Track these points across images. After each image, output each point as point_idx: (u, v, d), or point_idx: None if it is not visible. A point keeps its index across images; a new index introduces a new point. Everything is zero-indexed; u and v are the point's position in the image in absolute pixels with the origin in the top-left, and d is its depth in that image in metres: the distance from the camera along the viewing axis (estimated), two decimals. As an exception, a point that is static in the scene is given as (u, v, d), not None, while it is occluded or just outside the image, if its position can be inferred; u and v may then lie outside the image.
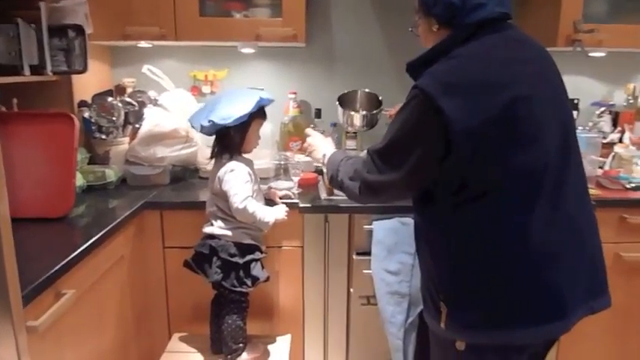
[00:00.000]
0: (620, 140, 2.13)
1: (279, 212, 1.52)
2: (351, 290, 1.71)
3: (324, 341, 1.79)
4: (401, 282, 1.59)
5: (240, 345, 1.53)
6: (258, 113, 1.49)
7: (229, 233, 1.48)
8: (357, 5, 2.22)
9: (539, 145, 1.03)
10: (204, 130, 1.47)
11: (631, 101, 2.21)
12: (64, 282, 1.13)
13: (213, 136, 1.53)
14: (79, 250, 1.20)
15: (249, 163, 1.53)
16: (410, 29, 1.26)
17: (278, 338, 1.67)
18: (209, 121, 1.43)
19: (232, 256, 1.46)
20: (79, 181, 1.67)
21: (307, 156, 1.64)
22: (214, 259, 1.47)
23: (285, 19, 1.86)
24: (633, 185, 1.86)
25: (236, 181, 1.45)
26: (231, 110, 1.42)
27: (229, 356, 1.52)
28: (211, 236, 1.50)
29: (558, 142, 1.06)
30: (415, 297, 1.61)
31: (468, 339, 1.08)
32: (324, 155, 1.48)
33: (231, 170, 1.46)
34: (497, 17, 1.08)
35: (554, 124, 1.06)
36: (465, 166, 1.02)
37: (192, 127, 1.53)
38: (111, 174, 1.78)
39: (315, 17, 2.16)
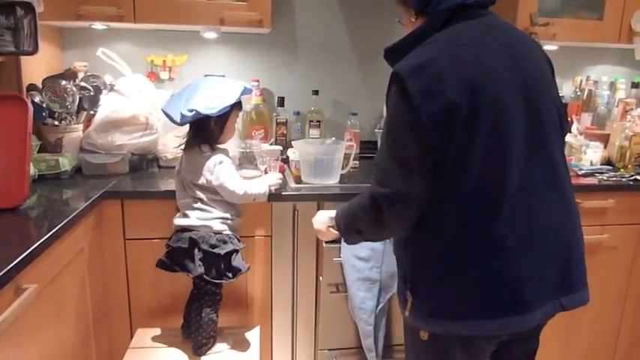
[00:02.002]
0: (569, 130, 2.25)
1: (270, 179, 1.59)
2: (320, 278, 1.71)
3: (292, 330, 1.78)
4: (371, 268, 1.60)
5: (211, 339, 1.49)
6: (237, 104, 1.48)
7: (209, 224, 1.44)
8: (320, -8, 2.21)
9: (502, 136, 1.00)
10: (184, 120, 1.41)
11: (578, 93, 2.33)
12: (25, 276, 1.05)
13: (180, 126, 1.47)
14: (40, 242, 1.12)
15: (227, 153, 1.53)
16: (397, 20, 1.24)
17: (247, 330, 1.64)
18: (191, 110, 1.39)
19: (213, 247, 1.42)
20: (31, 170, 1.56)
21: (325, 238, 1.41)
22: (195, 251, 1.42)
23: (249, 4, 1.81)
24: (583, 172, 1.97)
25: (228, 171, 1.46)
26: (216, 100, 1.41)
27: (198, 350, 1.48)
28: (187, 229, 1.45)
29: (526, 132, 1.03)
30: (385, 283, 1.63)
31: (430, 328, 1.09)
32: (330, 219, 1.32)
33: (220, 162, 1.46)
34: (472, 4, 1.08)
35: (523, 113, 1.03)
36: (436, 155, 1.00)
37: (169, 116, 1.45)
38: (65, 162, 1.67)
39: (277, 3, 2.12)
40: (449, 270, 1.04)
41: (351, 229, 1.21)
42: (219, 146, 1.52)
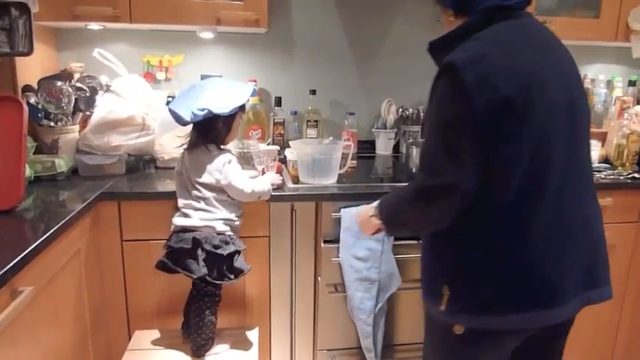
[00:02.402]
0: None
1: (273, 178, 1.63)
2: (319, 279, 1.70)
3: (291, 331, 1.77)
4: (370, 268, 1.60)
5: (209, 340, 1.48)
6: (242, 105, 1.51)
7: (212, 224, 1.44)
8: (316, -8, 2.20)
9: (549, 133, 1.04)
10: (195, 119, 1.42)
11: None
12: (21, 279, 1.04)
13: (184, 126, 1.48)
14: (36, 244, 1.11)
15: (232, 153, 1.55)
16: (437, 20, 1.26)
17: (246, 332, 1.63)
18: (202, 109, 1.40)
19: (217, 247, 1.41)
20: (26, 171, 1.55)
21: (368, 231, 1.35)
22: (199, 251, 1.40)
23: (246, 3, 1.80)
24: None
25: (236, 170, 1.49)
26: (227, 100, 1.44)
27: (197, 351, 1.47)
28: (188, 229, 1.44)
29: (565, 131, 1.07)
30: (384, 283, 1.62)
31: (467, 323, 1.10)
32: (374, 209, 1.28)
33: (229, 162, 1.48)
34: (512, 5, 1.10)
35: (565, 113, 1.07)
36: (487, 147, 1.01)
37: (176, 114, 1.44)
38: (61, 164, 1.66)
39: (274, 3, 2.11)
40: (492, 263, 1.05)
41: (395, 221, 1.21)
42: (224, 146, 1.53)
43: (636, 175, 1.95)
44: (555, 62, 1.09)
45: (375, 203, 1.27)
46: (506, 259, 1.05)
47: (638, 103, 2.33)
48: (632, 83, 2.35)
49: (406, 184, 1.16)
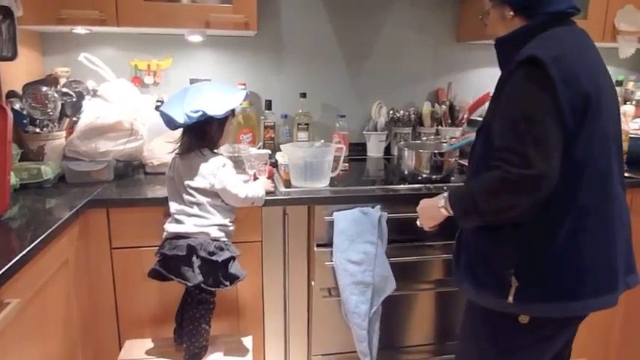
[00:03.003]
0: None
1: (266, 184, 1.61)
2: (312, 283, 1.69)
3: (285, 336, 1.75)
4: (364, 271, 1.58)
5: (203, 348, 1.45)
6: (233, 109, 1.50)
7: (206, 230, 1.42)
8: (305, -6, 2.19)
9: (609, 131, 1.14)
10: (189, 121, 1.39)
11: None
12: (7, 290, 1.01)
13: (173, 130, 1.46)
14: (23, 254, 1.07)
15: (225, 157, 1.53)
16: (480, 17, 1.30)
17: (240, 339, 1.61)
18: (196, 111, 1.38)
19: (212, 254, 1.39)
20: (12, 179, 1.51)
21: (432, 222, 1.39)
22: (194, 259, 1.38)
23: (235, 6, 1.78)
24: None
25: (230, 174, 1.47)
26: (221, 102, 1.42)
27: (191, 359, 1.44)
28: (182, 236, 1.41)
29: (615, 132, 1.18)
30: (378, 286, 1.61)
31: (535, 312, 1.15)
32: (444, 199, 1.28)
33: (224, 165, 1.46)
34: (570, 13, 1.18)
35: (615, 111, 1.19)
36: (568, 139, 1.07)
37: (168, 117, 1.42)
38: (48, 171, 1.62)
39: (262, 6, 2.10)
40: (567, 252, 1.11)
41: (472, 211, 1.19)
42: (217, 150, 1.51)
43: (625, 175, 1.95)
44: (602, 62, 1.19)
45: (444, 194, 1.29)
46: (576, 249, 1.11)
47: (625, 103, 2.36)
48: (618, 83, 2.37)
49: (484, 175, 1.16)
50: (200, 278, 1.37)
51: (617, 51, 2.18)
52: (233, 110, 1.51)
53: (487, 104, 1.96)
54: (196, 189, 1.43)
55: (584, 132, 1.09)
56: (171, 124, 1.43)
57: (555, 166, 1.06)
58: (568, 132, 1.07)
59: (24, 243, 1.14)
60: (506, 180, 1.08)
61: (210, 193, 1.44)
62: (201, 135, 1.45)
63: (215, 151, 1.50)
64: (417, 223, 1.41)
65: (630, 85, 2.44)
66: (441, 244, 1.71)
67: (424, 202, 1.39)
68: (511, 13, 1.19)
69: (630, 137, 2.08)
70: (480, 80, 2.36)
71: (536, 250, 1.13)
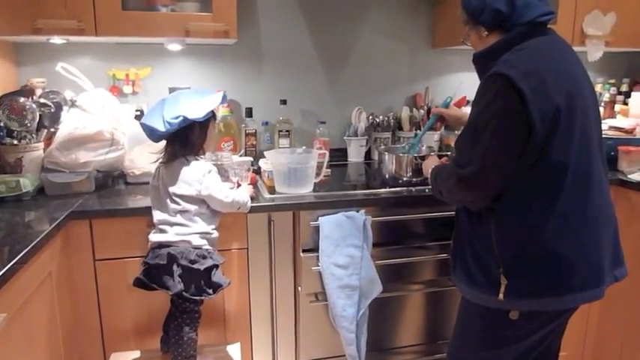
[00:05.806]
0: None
1: (249, 191, 1.62)
2: (299, 288, 1.69)
3: (272, 343, 1.75)
4: (351, 275, 1.60)
5: (191, 358, 1.44)
6: (214, 114, 1.50)
7: (188, 239, 1.41)
8: (284, 1, 2.20)
9: (587, 133, 1.20)
10: (170, 128, 1.39)
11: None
12: (-8, 305, 0.99)
13: (156, 141, 1.46)
14: (4, 270, 1.05)
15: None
16: (462, 40, 1.37)
17: (228, 347, 1.60)
18: (176, 117, 1.38)
19: (193, 262, 1.38)
20: (-11, 192, 1.48)
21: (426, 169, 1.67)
22: (174, 267, 1.37)
23: (215, 14, 1.79)
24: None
25: (216, 180, 1.47)
26: (199, 105, 1.42)
27: (178, 370, 1.43)
28: (164, 245, 1.40)
29: (597, 129, 1.26)
30: (365, 289, 1.63)
31: (525, 307, 1.22)
32: (435, 166, 1.51)
33: (209, 171, 1.46)
34: (543, 22, 1.24)
35: (594, 115, 1.25)
36: (537, 151, 1.15)
37: (150, 128, 1.40)
38: (27, 183, 1.59)
39: (241, 14, 2.10)
40: (553, 252, 1.18)
41: (435, 187, 1.43)
42: (202, 157, 1.51)
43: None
44: (579, 67, 1.25)
45: (437, 164, 1.53)
46: (562, 247, 1.18)
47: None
48: (588, 85, 2.45)
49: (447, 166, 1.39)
50: (180, 287, 1.36)
51: (586, 55, 2.26)
52: (214, 114, 1.51)
53: (464, 108, 2.02)
54: (182, 196, 1.42)
55: (559, 138, 1.15)
56: (153, 134, 1.42)
57: (504, 177, 1.18)
58: (539, 140, 1.14)
59: (4, 258, 1.11)
60: (453, 175, 1.27)
61: (196, 200, 1.44)
62: (185, 141, 1.45)
63: (200, 157, 1.50)
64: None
65: (598, 87, 2.53)
66: (425, 245, 1.74)
67: (429, 161, 1.65)
68: (485, 32, 1.28)
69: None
70: (456, 85, 2.42)
71: (523, 251, 1.20)
